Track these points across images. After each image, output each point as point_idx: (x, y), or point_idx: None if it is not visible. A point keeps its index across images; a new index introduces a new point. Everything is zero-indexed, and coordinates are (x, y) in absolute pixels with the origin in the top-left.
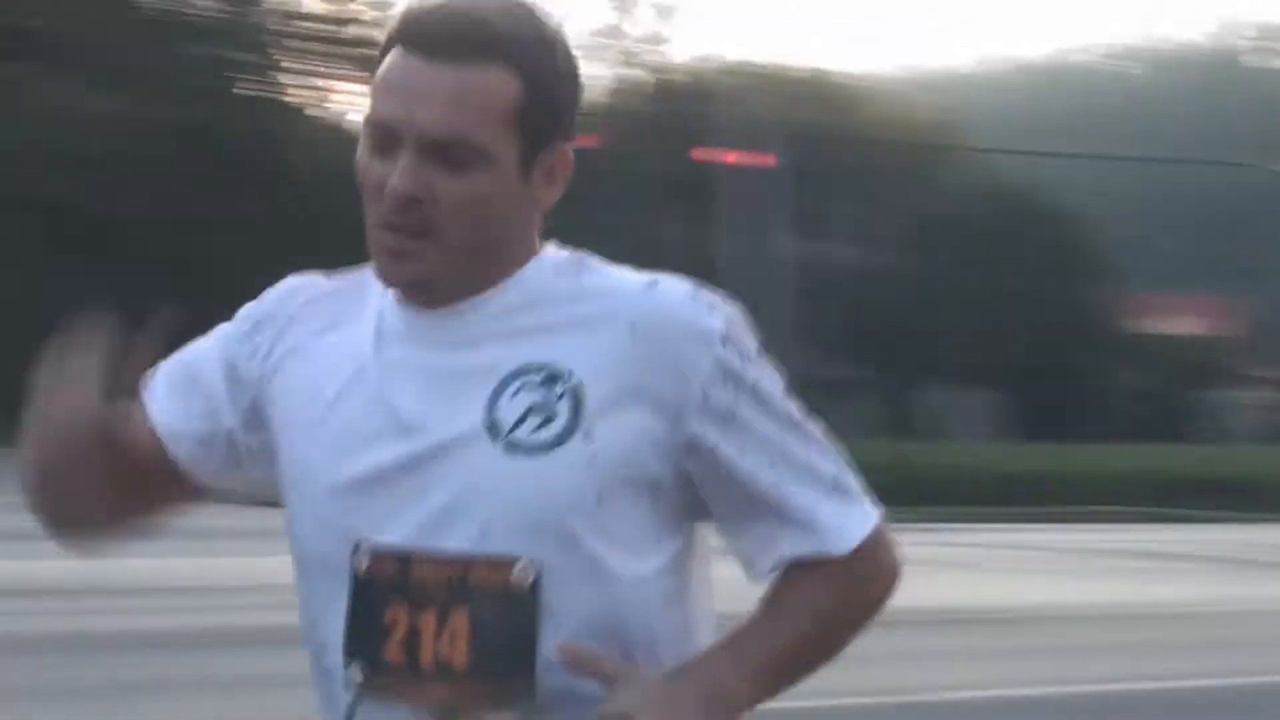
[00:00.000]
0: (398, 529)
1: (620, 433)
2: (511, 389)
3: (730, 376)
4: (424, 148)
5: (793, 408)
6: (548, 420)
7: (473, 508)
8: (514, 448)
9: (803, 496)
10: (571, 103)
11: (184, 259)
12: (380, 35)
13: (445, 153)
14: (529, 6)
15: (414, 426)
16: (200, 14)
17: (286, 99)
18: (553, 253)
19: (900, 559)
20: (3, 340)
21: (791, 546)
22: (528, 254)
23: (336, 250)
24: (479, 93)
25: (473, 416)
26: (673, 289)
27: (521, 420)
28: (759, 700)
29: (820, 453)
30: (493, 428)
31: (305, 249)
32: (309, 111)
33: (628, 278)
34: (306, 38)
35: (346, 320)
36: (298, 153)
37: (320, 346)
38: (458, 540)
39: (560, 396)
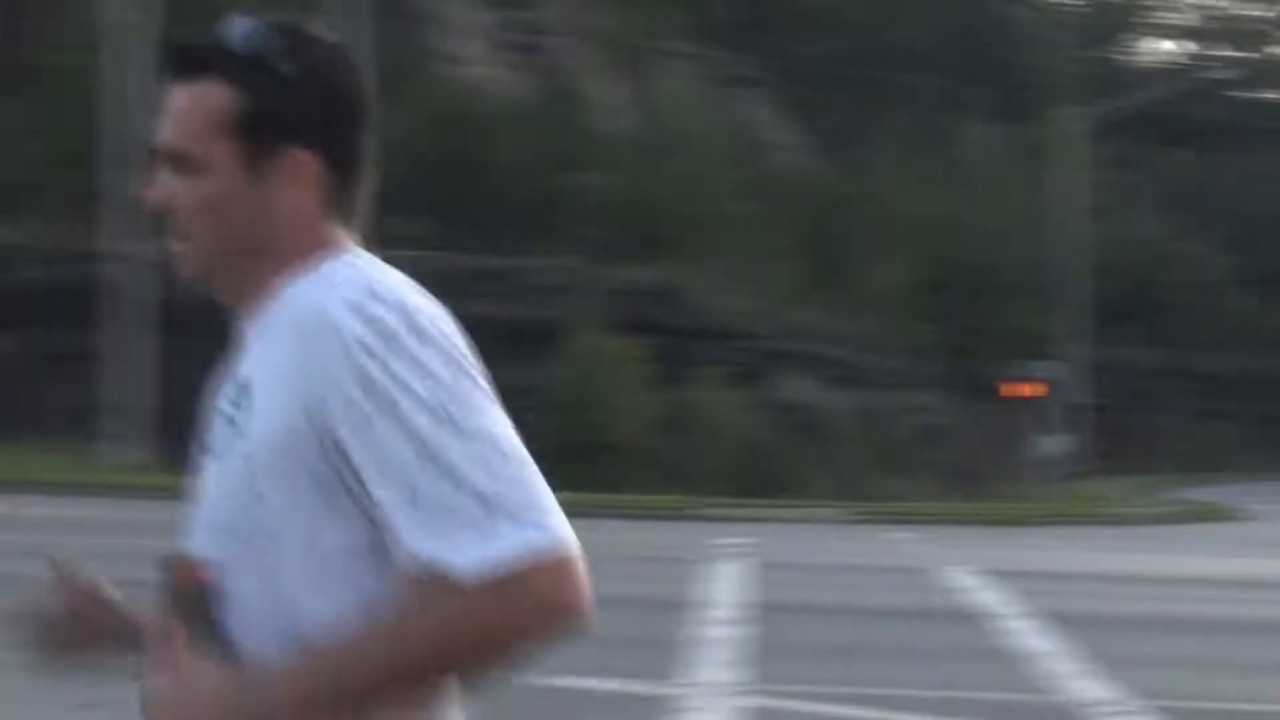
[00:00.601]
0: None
1: (274, 435)
2: (226, 399)
3: (366, 380)
4: (166, 161)
5: (455, 414)
6: (231, 426)
7: (199, 515)
8: (212, 454)
9: (427, 509)
10: (307, 109)
11: None
12: None
13: (177, 163)
14: (262, 24)
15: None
16: None
17: None
18: (336, 258)
19: (565, 599)
20: None
21: (408, 557)
22: (308, 257)
23: None
24: (191, 106)
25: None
26: (337, 292)
27: (220, 428)
28: (318, 712)
29: (474, 466)
30: (208, 437)
31: None
32: None
33: (323, 282)
34: None
35: None
36: None
37: None
38: (193, 545)
39: (240, 404)
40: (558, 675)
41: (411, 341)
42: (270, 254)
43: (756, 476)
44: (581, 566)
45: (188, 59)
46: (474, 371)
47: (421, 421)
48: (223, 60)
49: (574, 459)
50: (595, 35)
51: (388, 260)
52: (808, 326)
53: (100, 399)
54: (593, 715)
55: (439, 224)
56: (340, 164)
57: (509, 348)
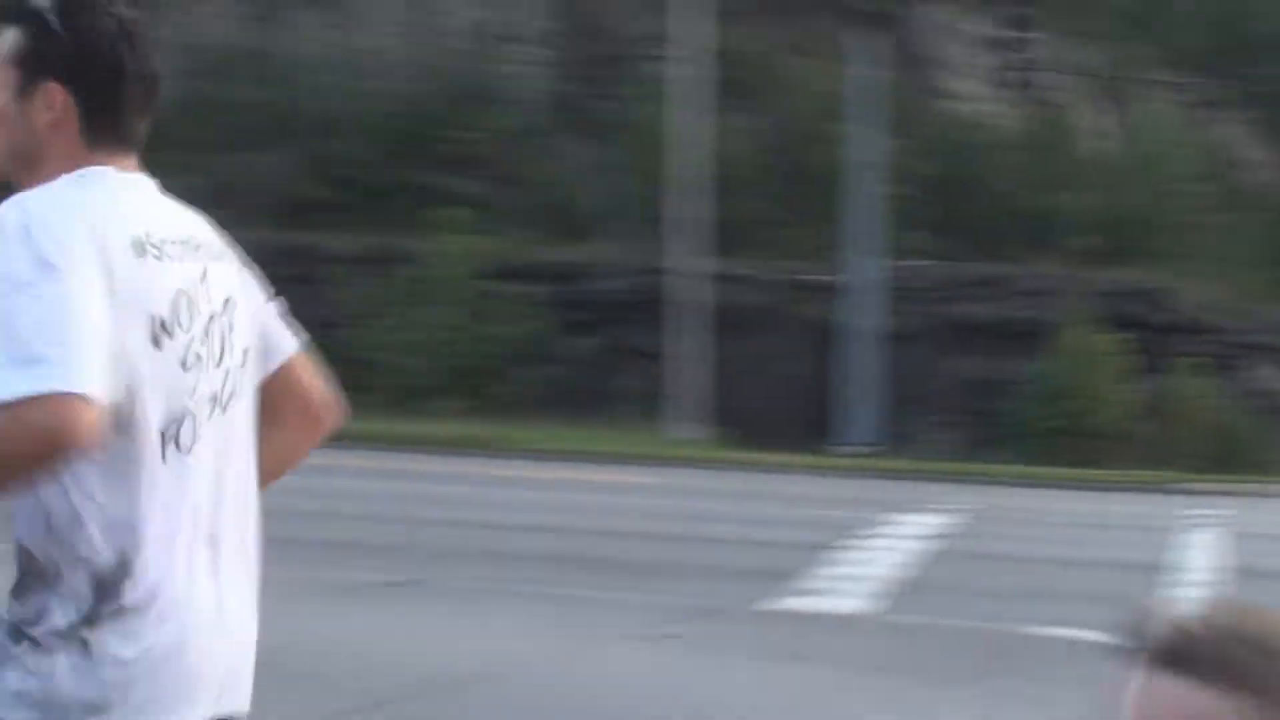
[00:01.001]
0: None
1: None
2: None
3: None
4: None
5: (30, 293)
6: None
7: None
8: None
9: None
10: (63, 53)
11: None
12: None
13: None
14: None
15: None
16: None
17: None
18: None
19: (59, 432)
20: None
21: None
22: (66, 171)
23: None
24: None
25: None
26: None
27: None
28: None
29: (33, 327)
30: None
31: None
32: None
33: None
34: None
35: None
36: None
37: None
38: None
39: None
40: (1048, 626)
41: (13, 239)
42: (38, 164)
43: (1226, 456)
44: (90, 415)
45: (5, 12)
46: (72, 268)
47: (5, 300)
48: (17, 12)
49: (1060, 441)
50: (1081, 70)
51: (902, 271)
52: (1275, 321)
53: (664, 389)
54: (1078, 661)
55: (944, 238)
56: (93, 100)
57: (1005, 344)
